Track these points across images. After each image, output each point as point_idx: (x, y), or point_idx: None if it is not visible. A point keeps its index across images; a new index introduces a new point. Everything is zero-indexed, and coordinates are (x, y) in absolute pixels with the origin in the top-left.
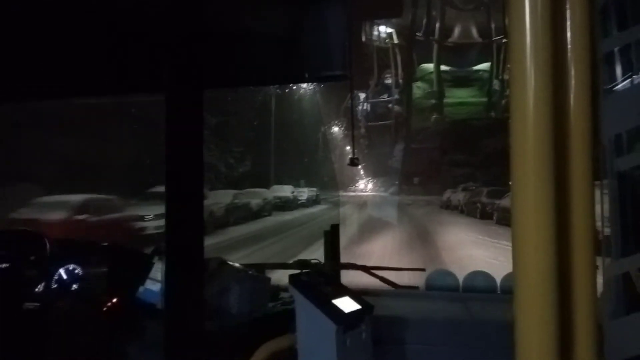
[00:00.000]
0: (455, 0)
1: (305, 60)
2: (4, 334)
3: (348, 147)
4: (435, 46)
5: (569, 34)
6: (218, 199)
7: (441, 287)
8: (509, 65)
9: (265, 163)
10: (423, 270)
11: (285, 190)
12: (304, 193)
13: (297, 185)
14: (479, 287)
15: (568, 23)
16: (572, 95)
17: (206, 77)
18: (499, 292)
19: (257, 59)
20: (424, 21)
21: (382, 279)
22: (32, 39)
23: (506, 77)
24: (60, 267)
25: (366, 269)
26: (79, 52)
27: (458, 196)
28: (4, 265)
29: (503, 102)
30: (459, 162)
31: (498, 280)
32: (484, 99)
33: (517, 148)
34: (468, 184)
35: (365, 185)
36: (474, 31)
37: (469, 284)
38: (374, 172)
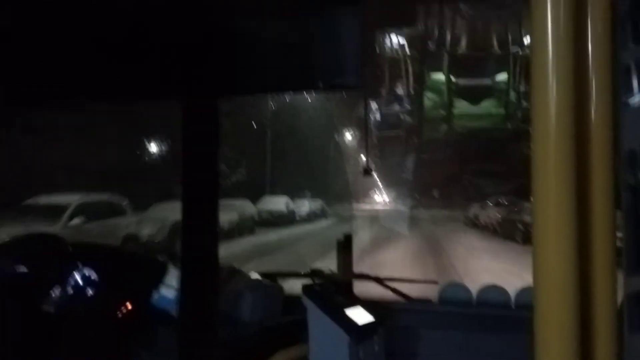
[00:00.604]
0: (468, 11)
1: (318, 69)
2: (19, 339)
3: (363, 156)
4: (446, 57)
5: (590, 45)
6: (163, 215)
7: (454, 300)
8: (529, 76)
9: (265, 172)
10: (435, 283)
11: (278, 203)
12: (304, 206)
13: (301, 197)
14: (493, 301)
15: (589, 34)
16: (593, 107)
17: (221, 85)
18: (513, 307)
19: (271, 66)
20: (436, 32)
21: (394, 290)
22: (48, 45)
23: (522, 88)
24: (75, 271)
25: (379, 280)
26: (94, 59)
27: (489, 212)
28: (21, 270)
29: (520, 113)
30: (486, 172)
31: (512, 294)
32: (501, 110)
33: (539, 160)
34: (499, 197)
35: (380, 198)
36: (489, 42)
37: (483, 297)
38: (389, 184)
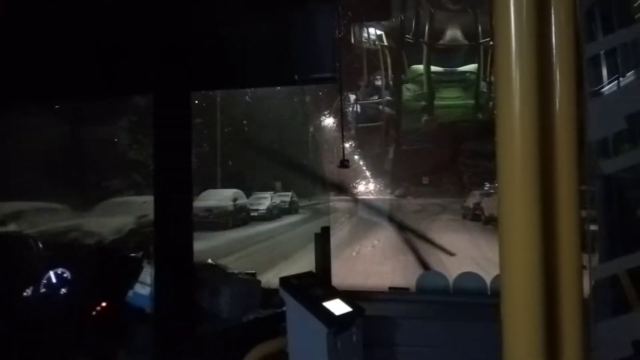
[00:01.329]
0: (444, 2)
1: (294, 63)
2: None
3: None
4: (425, 48)
5: (554, 38)
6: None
7: (432, 288)
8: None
9: (223, 164)
10: (454, 254)
11: (222, 198)
12: (265, 200)
13: (264, 189)
14: (469, 289)
15: (553, 27)
16: (557, 98)
17: (194, 79)
18: (488, 294)
19: (245, 61)
20: (413, 23)
21: (438, 246)
22: (24, 44)
23: (493, 79)
24: (48, 270)
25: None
26: (69, 55)
27: (494, 202)
28: None
29: (490, 104)
30: (485, 154)
31: (488, 281)
32: (471, 101)
33: (503, 150)
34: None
35: (365, 188)
36: (462, 33)
37: (459, 285)
38: (375, 174)
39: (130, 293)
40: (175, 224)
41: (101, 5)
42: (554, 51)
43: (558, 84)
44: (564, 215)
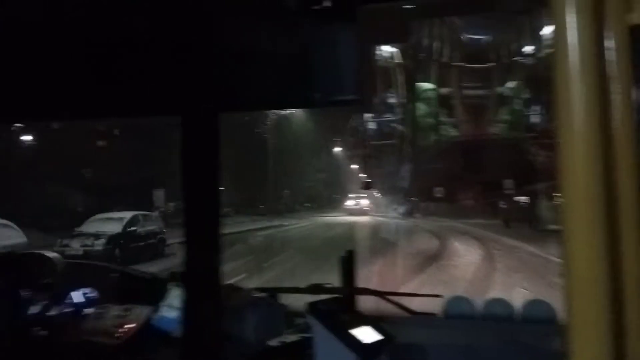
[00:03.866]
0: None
1: (317, 85)
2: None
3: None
4: (436, 66)
5: (613, 44)
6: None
7: (459, 314)
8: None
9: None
10: (440, 296)
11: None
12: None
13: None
14: (498, 315)
15: (605, 38)
16: (615, 110)
17: (221, 101)
18: (518, 320)
19: (269, 83)
20: (426, 42)
21: (398, 305)
22: (55, 61)
23: (526, 96)
24: (72, 290)
25: (382, 295)
26: (98, 75)
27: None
28: (12, 289)
29: (524, 121)
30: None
31: (518, 307)
32: (508, 117)
33: (567, 163)
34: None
35: (356, 203)
36: (487, 53)
37: (488, 311)
38: (379, 189)
39: (157, 316)
40: (204, 248)
41: (131, 26)
42: (614, 58)
43: (618, 90)
44: (628, 228)
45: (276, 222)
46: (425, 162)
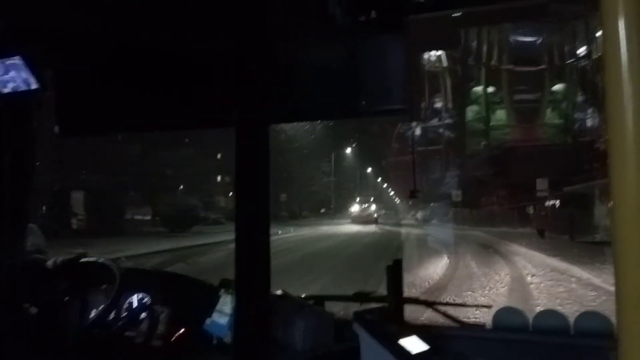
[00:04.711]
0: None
1: (364, 94)
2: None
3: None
4: (485, 70)
5: None
6: None
7: (509, 326)
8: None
9: None
10: (489, 307)
11: None
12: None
13: None
14: (550, 328)
15: None
16: None
17: (271, 112)
18: (572, 333)
19: (317, 93)
20: (474, 45)
21: (447, 315)
22: (117, 77)
23: (578, 99)
24: (129, 296)
25: (430, 305)
26: (156, 89)
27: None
28: (74, 295)
29: (576, 125)
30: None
31: (571, 320)
32: (559, 122)
33: (617, 167)
34: None
35: (363, 209)
36: (537, 55)
37: (540, 323)
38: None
39: (208, 321)
40: (255, 256)
41: (183, 37)
42: None
43: None
44: None
45: None
46: (469, 168)
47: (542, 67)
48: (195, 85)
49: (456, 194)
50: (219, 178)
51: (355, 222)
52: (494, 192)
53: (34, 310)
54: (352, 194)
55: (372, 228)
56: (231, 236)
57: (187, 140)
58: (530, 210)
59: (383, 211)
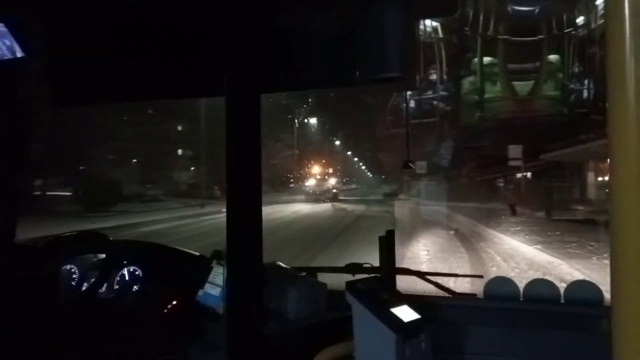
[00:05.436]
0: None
1: (359, 63)
2: (67, 332)
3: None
4: (480, 40)
5: None
6: None
7: (500, 295)
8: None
9: None
10: (481, 277)
11: None
12: None
13: None
14: (541, 296)
15: None
16: None
17: (263, 81)
18: (562, 301)
19: (310, 62)
20: (471, 15)
21: (438, 285)
22: (108, 47)
23: (575, 69)
24: (122, 267)
25: (422, 275)
26: (147, 58)
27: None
28: (68, 267)
29: (572, 97)
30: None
31: (562, 288)
32: (556, 93)
33: (617, 145)
34: None
35: (319, 183)
36: (535, 25)
37: (531, 292)
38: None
39: (200, 292)
40: (246, 227)
41: (175, 3)
42: None
43: None
44: None
45: (189, 212)
46: (464, 141)
47: (539, 37)
48: (185, 53)
49: (420, 166)
50: (180, 152)
51: (309, 199)
52: (470, 164)
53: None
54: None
55: (324, 207)
56: (157, 216)
57: (149, 110)
58: (500, 183)
59: (354, 185)
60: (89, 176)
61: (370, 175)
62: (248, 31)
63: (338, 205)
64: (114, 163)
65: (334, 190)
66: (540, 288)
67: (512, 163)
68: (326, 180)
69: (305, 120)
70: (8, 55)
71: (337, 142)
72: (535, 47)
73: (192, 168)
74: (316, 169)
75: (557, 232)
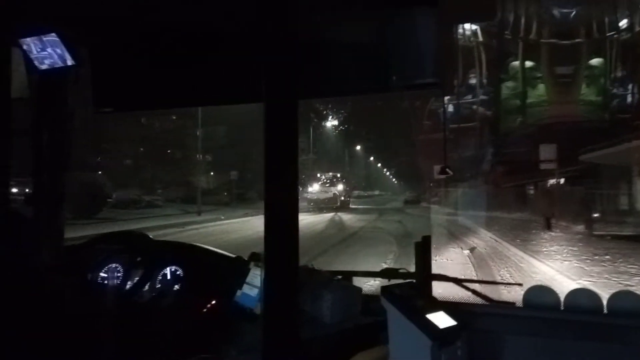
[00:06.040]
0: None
1: (395, 69)
2: (109, 330)
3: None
4: (522, 44)
5: None
6: None
7: (540, 304)
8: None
9: None
10: (520, 285)
11: None
12: None
13: None
14: (583, 307)
15: None
16: None
17: (300, 88)
18: (605, 313)
19: (346, 69)
20: (511, 18)
21: (475, 292)
22: (148, 54)
23: (618, 74)
24: (163, 268)
25: (459, 282)
26: (186, 66)
27: None
28: (111, 266)
29: (615, 102)
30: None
31: (605, 299)
32: (597, 98)
33: None
34: None
35: (323, 189)
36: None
37: (572, 302)
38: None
39: (238, 293)
40: (283, 229)
41: (213, 12)
42: None
43: None
44: None
45: (179, 220)
46: (504, 147)
47: (579, 40)
48: (224, 60)
49: (436, 170)
50: (198, 156)
51: (316, 207)
52: (502, 170)
53: (73, 280)
54: (336, 172)
55: (327, 217)
56: (139, 224)
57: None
58: (531, 189)
59: (377, 192)
60: (76, 180)
61: (396, 182)
62: (285, 40)
63: (342, 215)
64: (113, 166)
65: (342, 198)
66: (582, 298)
67: (543, 166)
68: (334, 186)
69: (324, 124)
70: (59, 64)
71: (358, 147)
72: (575, 51)
73: (212, 173)
74: (322, 175)
75: (606, 256)
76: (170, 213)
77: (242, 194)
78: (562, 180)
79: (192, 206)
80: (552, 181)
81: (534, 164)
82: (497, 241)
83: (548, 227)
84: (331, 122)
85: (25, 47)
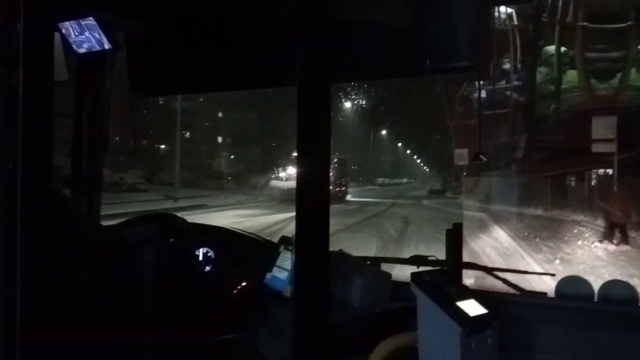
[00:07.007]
0: None
1: (429, 52)
2: (147, 309)
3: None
4: (559, 27)
5: None
6: None
7: (573, 294)
8: None
9: None
10: (553, 275)
11: None
12: None
13: None
14: (617, 298)
15: None
16: None
17: (333, 71)
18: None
19: (379, 52)
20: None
21: (506, 282)
22: (184, 39)
23: None
24: (196, 250)
25: (489, 270)
26: (220, 50)
27: None
28: (149, 247)
29: None
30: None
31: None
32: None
33: None
34: None
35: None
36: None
37: (605, 293)
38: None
39: (268, 276)
40: (314, 214)
41: (251, 4)
42: None
43: None
44: None
45: (152, 207)
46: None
47: (626, 23)
48: (258, 44)
49: (461, 155)
50: (187, 134)
51: (288, 200)
52: (537, 157)
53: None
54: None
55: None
56: (107, 210)
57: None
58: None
59: (405, 180)
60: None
61: (427, 169)
62: (318, 24)
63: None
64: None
65: (331, 188)
66: (616, 289)
67: (596, 148)
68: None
69: (342, 105)
70: (97, 48)
71: (384, 132)
72: (622, 35)
73: (226, 154)
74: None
75: None
76: (147, 199)
77: (247, 179)
78: (610, 171)
79: (188, 190)
80: (600, 171)
81: (575, 152)
82: (520, 254)
83: (624, 238)
84: (358, 103)
85: (64, 30)
